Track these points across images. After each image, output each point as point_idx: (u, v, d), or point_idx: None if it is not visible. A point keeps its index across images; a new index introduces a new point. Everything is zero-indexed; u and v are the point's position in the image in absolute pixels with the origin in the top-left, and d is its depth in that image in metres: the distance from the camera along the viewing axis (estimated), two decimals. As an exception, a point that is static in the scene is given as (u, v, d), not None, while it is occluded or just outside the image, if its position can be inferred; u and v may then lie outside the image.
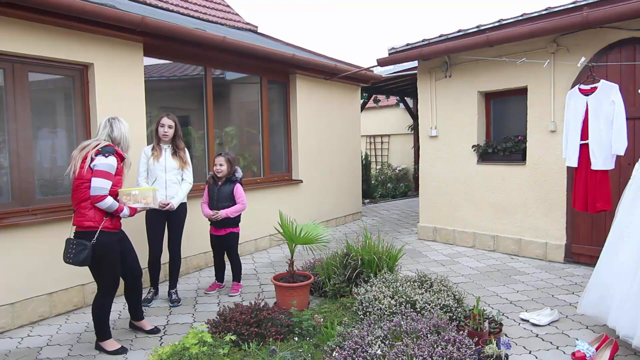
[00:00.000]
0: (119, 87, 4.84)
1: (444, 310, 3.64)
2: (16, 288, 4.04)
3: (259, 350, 3.33)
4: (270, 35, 9.57)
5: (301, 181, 7.54)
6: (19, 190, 4.17)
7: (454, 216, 6.86)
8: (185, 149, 4.72)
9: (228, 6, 9.95)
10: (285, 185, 7.30)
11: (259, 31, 9.82)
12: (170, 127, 4.54)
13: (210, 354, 3.18)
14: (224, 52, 5.79)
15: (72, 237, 3.43)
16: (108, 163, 3.39)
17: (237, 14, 9.86)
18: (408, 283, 4.07)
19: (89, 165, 3.38)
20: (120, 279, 3.71)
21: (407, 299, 3.72)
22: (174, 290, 4.71)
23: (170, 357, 3.20)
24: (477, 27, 6.23)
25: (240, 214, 4.90)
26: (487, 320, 3.54)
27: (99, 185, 3.32)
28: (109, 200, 3.37)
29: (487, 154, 6.47)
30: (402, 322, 3.21)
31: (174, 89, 6.45)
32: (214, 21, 8.55)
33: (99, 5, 4.31)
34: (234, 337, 3.41)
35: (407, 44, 7.02)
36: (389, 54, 7.17)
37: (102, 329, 3.59)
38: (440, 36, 6.64)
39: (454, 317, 3.62)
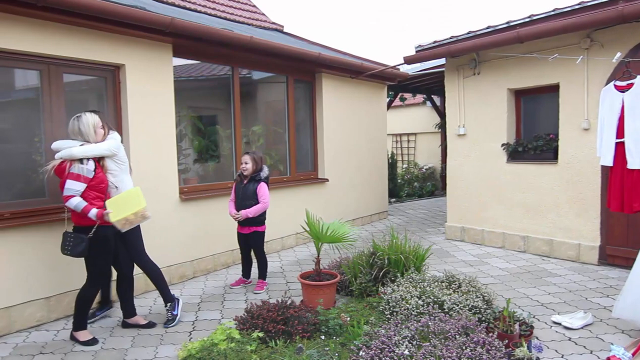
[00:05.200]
0: (150, 87, 4.94)
1: (473, 311, 3.59)
2: (52, 282, 4.18)
3: (286, 347, 3.35)
4: (296, 35, 9.60)
5: (327, 180, 7.54)
6: (55, 188, 4.30)
7: (483, 216, 6.74)
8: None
9: (254, 6, 10.03)
10: (311, 184, 7.32)
11: (285, 30, 9.86)
12: None
13: (238, 350, 3.22)
14: (251, 51, 5.84)
15: (69, 230, 3.62)
16: (86, 167, 3.55)
17: (263, 14, 9.93)
18: (436, 283, 4.02)
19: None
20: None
21: (435, 299, 3.68)
22: (167, 307, 4.19)
23: (199, 352, 3.25)
24: (507, 23, 6.09)
25: (265, 213, 4.94)
26: (518, 323, 3.47)
27: (68, 187, 3.48)
28: (74, 200, 3.48)
29: (517, 152, 6.33)
30: (429, 323, 3.17)
31: (202, 89, 6.55)
32: (241, 21, 8.64)
33: (130, 7, 4.41)
34: (261, 334, 3.44)
35: (435, 41, 6.93)
36: (416, 51, 7.09)
37: (80, 319, 3.75)
38: (468, 33, 6.53)
39: (483, 318, 3.56)
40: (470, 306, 3.61)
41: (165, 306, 4.17)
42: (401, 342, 2.99)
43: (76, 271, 4.27)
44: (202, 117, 6.32)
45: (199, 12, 7.72)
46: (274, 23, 9.71)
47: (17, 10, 3.82)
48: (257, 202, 4.81)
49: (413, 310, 3.56)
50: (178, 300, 4.24)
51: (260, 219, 4.92)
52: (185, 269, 5.37)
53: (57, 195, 4.30)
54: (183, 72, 5.81)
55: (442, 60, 7.36)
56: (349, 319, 3.72)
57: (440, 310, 3.51)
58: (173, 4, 7.30)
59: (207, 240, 5.60)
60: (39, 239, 4.08)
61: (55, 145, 3.65)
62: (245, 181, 4.88)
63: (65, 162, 3.55)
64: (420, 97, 14.03)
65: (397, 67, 8.29)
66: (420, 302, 3.63)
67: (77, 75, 4.60)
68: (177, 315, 4.14)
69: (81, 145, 3.62)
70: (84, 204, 3.51)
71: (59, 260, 4.18)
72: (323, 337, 3.54)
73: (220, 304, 4.62)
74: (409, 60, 7.09)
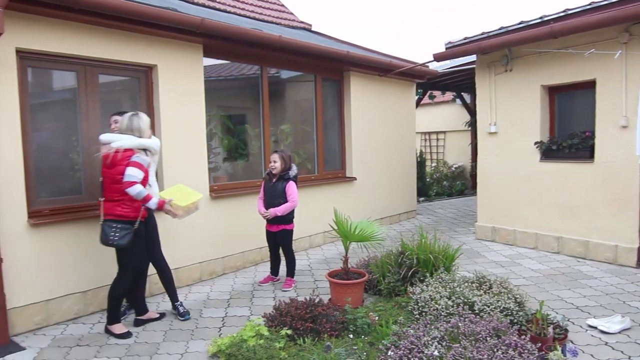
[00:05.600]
0: (181, 87, 5.04)
1: (504, 313, 3.51)
2: (88, 277, 4.32)
3: (314, 345, 3.37)
4: (324, 33, 9.60)
5: (355, 178, 7.52)
6: (91, 186, 4.45)
7: (515, 216, 6.59)
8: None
9: (283, 5, 10.08)
10: (339, 183, 7.32)
11: (312, 29, 9.88)
12: None
13: (266, 347, 3.26)
14: (280, 51, 5.87)
15: (108, 221, 3.70)
16: (145, 159, 3.75)
17: (291, 13, 9.97)
18: (466, 284, 3.96)
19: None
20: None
21: (465, 300, 3.62)
22: (178, 303, 4.31)
23: (229, 348, 3.31)
24: (540, 18, 5.93)
25: (293, 211, 4.97)
26: (552, 326, 3.38)
27: (131, 174, 3.59)
28: (138, 187, 3.60)
29: (551, 151, 6.16)
30: (459, 324, 3.13)
31: (231, 88, 6.64)
32: (269, 20, 8.70)
33: (162, 8, 4.50)
34: (289, 332, 3.47)
35: (465, 38, 6.81)
36: (446, 48, 6.99)
37: (114, 313, 3.86)
38: (500, 28, 6.39)
39: (515, 320, 3.49)
40: (501, 308, 3.54)
41: (177, 301, 4.28)
42: (430, 342, 2.96)
43: (111, 266, 4.40)
44: (231, 116, 6.40)
45: (228, 12, 7.81)
46: (302, 22, 9.74)
47: (55, 13, 3.95)
48: (285, 201, 4.84)
49: (442, 311, 3.52)
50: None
51: (288, 217, 4.95)
52: (214, 265, 5.46)
53: (94, 192, 4.45)
54: (213, 72, 5.90)
55: (473, 57, 7.23)
56: (377, 318, 3.71)
57: (470, 312, 3.46)
58: (203, 5, 7.42)
59: (236, 237, 5.67)
60: (77, 234, 4.22)
61: (107, 137, 3.77)
62: (274, 180, 4.92)
63: (117, 152, 3.66)
64: (449, 95, 13.82)
65: (427, 64, 8.19)
66: (450, 302, 3.59)
67: (111, 76, 4.73)
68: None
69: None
70: (146, 191, 3.65)
71: (95, 255, 4.32)
72: (351, 335, 3.54)
73: (249, 300, 4.68)
74: (438, 57, 7.00)
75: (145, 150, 3.77)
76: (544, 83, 6.18)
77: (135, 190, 3.57)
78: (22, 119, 3.90)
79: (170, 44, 4.91)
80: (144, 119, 3.83)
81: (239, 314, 4.33)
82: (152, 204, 3.67)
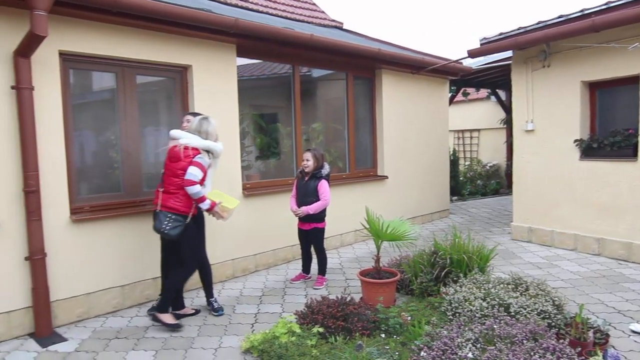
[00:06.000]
0: (215, 87, 5.12)
1: (542, 316, 3.42)
2: (126, 272, 4.46)
3: (346, 344, 3.37)
4: (356, 31, 9.56)
5: (386, 177, 7.47)
6: (129, 184, 4.58)
7: (552, 216, 6.40)
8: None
9: (314, 4, 10.10)
10: (370, 181, 7.28)
11: (344, 27, 9.85)
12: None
13: (298, 344, 3.28)
14: (312, 49, 5.88)
15: (163, 211, 3.84)
16: (207, 161, 3.89)
17: (322, 12, 9.97)
18: (501, 285, 3.87)
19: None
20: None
21: (500, 301, 3.54)
22: (213, 299, 4.41)
23: (261, 344, 3.35)
24: (581, 11, 5.73)
25: (325, 210, 4.97)
26: (592, 330, 3.26)
27: (193, 173, 3.74)
28: (197, 187, 3.75)
29: (591, 149, 5.95)
30: (494, 326, 3.06)
31: (263, 88, 6.70)
32: (301, 19, 8.73)
33: (197, 10, 4.58)
34: (321, 330, 3.48)
35: (501, 33, 6.65)
36: (481, 44, 6.84)
37: (168, 303, 3.98)
38: (538, 23, 6.20)
39: (553, 324, 3.39)
40: (538, 310, 3.45)
41: (212, 297, 4.39)
42: (464, 344, 2.91)
43: (150, 262, 4.54)
44: (263, 115, 6.46)
45: (261, 12, 7.88)
46: (333, 20, 9.73)
47: (95, 16, 4.08)
48: (317, 199, 4.85)
49: (477, 312, 3.45)
50: None
51: (320, 216, 4.96)
52: (247, 262, 5.53)
53: (132, 190, 4.58)
54: (245, 72, 5.97)
55: (509, 53, 7.05)
56: (409, 318, 3.68)
57: (506, 314, 3.38)
58: (236, 6, 7.51)
59: (268, 235, 5.73)
60: (115, 230, 4.36)
61: (176, 133, 3.98)
62: (306, 178, 4.93)
63: (186, 148, 3.81)
64: (484, 92, 13.53)
65: (460, 61, 8.03)
66: (484, 304, 3.51)
67: (148, 76, 4.85)
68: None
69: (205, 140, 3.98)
70: (203, 192, 3.81)
71: (132, 251, 4.46)
72: (383, 335, 3.52)
73: (281, 298, 4.72)
74: (473, 54, 6.86)
75: (208, 152, 3.93)
76: (584, 79, 5.96)
77: (194, 189, 3.73)
78: (65, 118, 4.06)
79: (204, 45, 5.00)
80: (212, 124, 4.00)
81: (271, 310, 4.37)
82: (206, 204, 3.84)
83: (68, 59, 4.13)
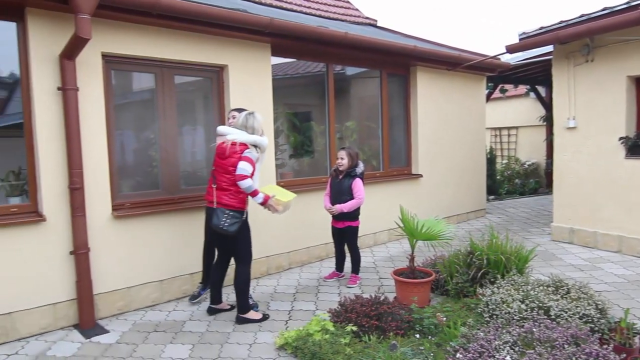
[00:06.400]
0: (250, 86, 5.19)
1: (584, 320, 3.29)
2: (164, 267, 4.58)
3: (379, 343, 3.35)
4: (390, 28, 9.47)
5: (421, 175, 7.37)
6: (167, 182, 4.70)
7: (595, 216, 6.16)
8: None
9: (348, 2, 10.07)
10: (404, 180, 7.21)
11: (378, 25, 9.78)
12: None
13: (332, 342, 3.29)
14: (346, 47, 5.87)
15: (221, 208, 3.88)
16: (256, 155, 3.95)
17: (356, 9, 9.93)
18: (540, 287, 3.75)
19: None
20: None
21: (540, 304, 3.43)
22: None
23: (295, 341, 3.37)
24: (627, 3, 5.48)
25: (359, 208, 4.96)
26: (638, 336, 3.13)
27: (243, 167, 3.77)
28: (249, 181, 3.78)
29: (637, 147, 5.68)
30: (534, 329, 2.97)
31: (297, 86, 6.74)
32: (335, 18, 8.71)
33: (233, 10, 4.65)
34: (354, 328, 3.47)
35: (541, 27, 6.44)
36: (520, 39, 6.64)
37: (246, 301, 4.04)
38: (581, 16, 5.98)
39: (596, 328, 3.26)
40: (580, 314, 3.32)
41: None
42: (502, 347, 2.84)
43: (186, 258, 4.65)
44: (297, 114, 6.50)
45: (295, 11, 7.92)
46: (367, 18, 9.67)
47: (135, 18, 4.21)
48: (351, 198, 4.84)
49: (515, 315, 3.36)
50: None
51: (354, 214, 4.94)
52: (281, 260, 5.58)
53: (170, 188, 4.70)
54: (280, 71, 6.02)
55: (549, 48, 6.82)
56: (445, 319, 3.62)
57: (545, 317, 3.27)
58: (270, 5, 7.57)
59: (302, 233, 5.76)
60: (154, 227, 4.48)
61: (224, 129, 4.08)
62: (340, 176, 4.93)
63: (234, 144, 3.87)
64: (522, 88, 13.13)
65: (498, 56, 7.83)
66: (523, 306, 3.42)
67: (186, 76, 4.96)
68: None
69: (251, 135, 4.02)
70: (255, 186, 3.86)
71: (171, 247, 4.58)
72: (417, 335, 3.48)
73: (315, 295, 4.74)
74: (511, 49, 6.67)
75: (255, 147, 3.98)
76: (630, 74, 5.70)
77: (247, 184, 3.77)
78: (107, 118, 4.20)
79: (240, 45, 5.06)
80: (258, 119, 4.04)
81: (304, 308, 4.40)
82: (259, 198, 3.88)
83: (110, 61, 4.27)
